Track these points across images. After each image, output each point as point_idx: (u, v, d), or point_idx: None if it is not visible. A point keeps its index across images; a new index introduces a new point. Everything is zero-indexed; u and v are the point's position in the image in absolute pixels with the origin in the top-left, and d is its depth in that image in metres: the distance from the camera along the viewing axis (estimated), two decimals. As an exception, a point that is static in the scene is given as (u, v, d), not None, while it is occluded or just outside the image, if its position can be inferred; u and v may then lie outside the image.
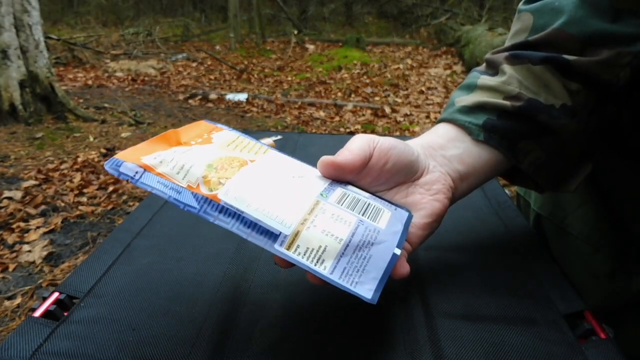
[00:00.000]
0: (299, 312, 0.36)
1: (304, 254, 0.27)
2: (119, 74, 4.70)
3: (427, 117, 3.48)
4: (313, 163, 0.34)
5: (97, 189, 2.10)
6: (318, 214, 0.29)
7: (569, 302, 0.37)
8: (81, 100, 3.64)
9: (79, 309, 0.35)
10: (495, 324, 0.34)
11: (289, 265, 0.28)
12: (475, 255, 0.44)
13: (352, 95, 4.13)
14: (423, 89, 4.37)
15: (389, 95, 4.13)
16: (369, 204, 0.32)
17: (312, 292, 0.38)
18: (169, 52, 5.91)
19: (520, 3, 0.41)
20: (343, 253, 0.28)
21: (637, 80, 0.36)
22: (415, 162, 0.35)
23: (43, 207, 1.91)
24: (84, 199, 2.00)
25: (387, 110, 3.59)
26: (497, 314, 0.35)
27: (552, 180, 0.40)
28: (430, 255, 0.43)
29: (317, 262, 0.27)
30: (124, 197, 2.03)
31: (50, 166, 2.32)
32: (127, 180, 0.29)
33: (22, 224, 1.78)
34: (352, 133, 3.04)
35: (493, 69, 0.39)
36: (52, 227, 1.77)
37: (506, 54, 0.38)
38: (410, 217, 0.33)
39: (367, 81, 4.64)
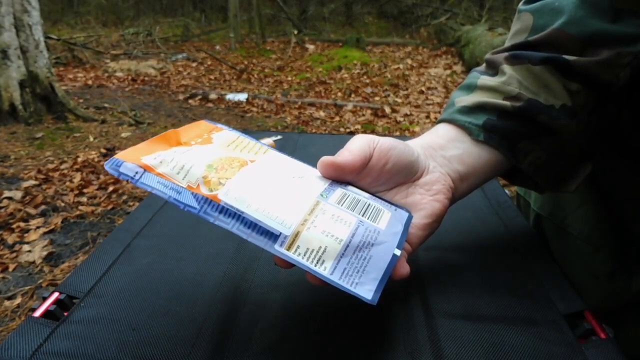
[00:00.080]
0: (299, 312, 0.36)
1: (304, 255, 0.27)
2: (119, 74, 4.70)
3: (427, 117, 3.48)
4: (313, 163, 0.34)
5: (97, 189, 2.10)
6: (318, 215, 0.29)
7: (569, 302, 0.37)
8: (81, 100, 3.64)
9: (79, 309, 0.35)
10: (495, 324, 0.34)
11: (289, 265, 0.28)
12: (475, 255, 0.44)
13: (352, 95, 4.13)
14: (423, 89, 4.37)
15: (389, 95, 4.13)
16: (369, 204, 0.32)
17: (312, 293, 0.38)
18: (169, 52, 5.91)
19: (520, 3, 0.41)
20: (343, 254, 0.28)
21: (637, 80, 0.36)
22: (415, 163, 0.35)
23: (43, 207, 1.91)
24: (84, 199, 2.00)
25: (387, 110, 3.59)
26: (497, 314, 0.35)
27: (552, 180, 0.40)
28: (430, 256, 0.43)
29: (317, 262, 0.27)
30: (124, 197, 2.03)
31: (50, 166, 2.32)
32: (127, 181, 0.29)
33: (22, 224, 1.78)
34: (352, 133, 3.04)
35: (493, 69, 0.39)
36: (52, 227, 1.77)
37: (506, 54, 0.38)
38: (410, 218, 0.33)
39: (367, 81, 4.64)
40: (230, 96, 3.94)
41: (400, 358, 0.31)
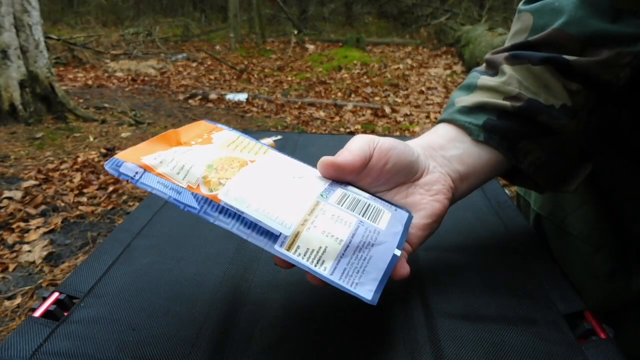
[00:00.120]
0: (299, 313, 0.36)
1: (304, 255, 0.27)
2: (119, 74, 4.70)
3: (427, 117, 3.48)
4: (313, 163, 0.34)
5: (97, 189, 2.10)
6: (318, 215, 0.29)
7: (569, 302, 0.37)
8: (81, 100, 3.64)
9: (79, 309, 0.35)
10: (495, 324, 0.34)
11: (289, 266, 0.28)
12: (475, 255, 0.44)
13: (352, 95, 4.13)
14: (423, 89, 4.37)
15: (389, 95, 4.13)
16: (369, 204, 0.32)
17: (312, 293, 0.38)
18: (169, 52, 5.91)
19: (520, 3, 0.41)
20: (343, 254, 0.28)
21: (637, 80, 0.36)
22: (415, 163, 0.35)
23: (43, 207, 1.91)
24: (84, 199, 2.00)
25: (387, 110, 3.59)
26: (497, 314, 0.35)
27: (552, 180, 0.40)
28: (430, 256, 0.43)
29: (317, 263, 0.27)
30: (124, 197, 2.03)
31: (50, 166, 2.32)
32: (127, 181, 0.29)
33: (22, 224, 1.78)
34: (352, 133, 3.04)
35: (493, 69, 0.39)
36: (52, 227, 1.77)
37: (506, 54, 0.38)
38: (410, 218, 0.33)
39: (367, 81, 4.64)
40: (230, 96, 3.94)
41: (400, 358, 0.31)
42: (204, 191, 0.29)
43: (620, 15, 0.34)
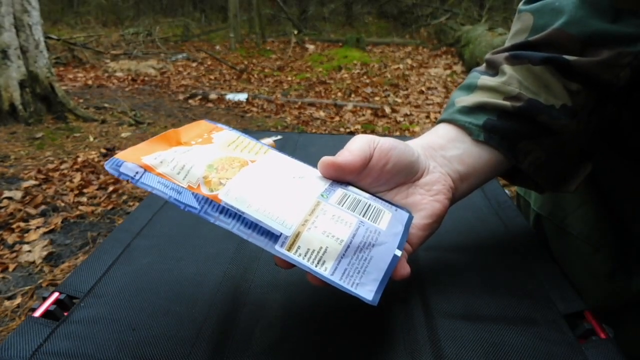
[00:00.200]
0: (299, 313, 0.36)
1: (305, 255, 0.27)
2: (119, 74, 4.70)
3: (427, 117, 3.48)
4: (313, 163, 0.34)
5: (97, 189, 2.10)
6: (319, 215, 0.29)
7: (569, 302, 0.37)
8: (81, 100, 3.64)
9: (79, 309, 0.35)
10: (495, 324, 0.34)
11: (290, 266, 0.28)
12: (475, 255, 0.44)
13: (352, 95, 4.13)
14: (423, 89, 4.37)
15: (389, 95, 4.13)
16: (369, 205, 0.32)
17: (312, 293, 0.38)
18: (169, 52, 5.90)
19: (521, 3, 0.41)
20: (344, 254, 0.28)
21: (637, 80, 0.36)
22: (415, 163, 0.35)
23: (43, 207, 1.91)
24: (84, 199, 2.00)
25: (387, 110, 3.59)
26: (497, 314, 0.35)
27: (552, 180, 0.40)
28: (431, 256, 0.43)
29: (317, 263, 0.27)
30: (124, 197, 2.03)
31: (50, 166, 2.32)
32: (127, 181, 0.29)
33: (22, 224, 1.77)
34: (352, 133, 3.04)
35: (493, 69, 0.39)
36: (52, 227, 1.77)
37: (506, 54, 0.38)
38: (410, 218, 0.33)
39: (367, 81, 4.64)
40: (230, 96, 3.94)
41: (400, 358, 0.31)
42: (204, 191, 0.29)
43: (621, 15, 0.34)
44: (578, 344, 0.32)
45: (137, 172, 0.29)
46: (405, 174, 0.35)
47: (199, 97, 3.95)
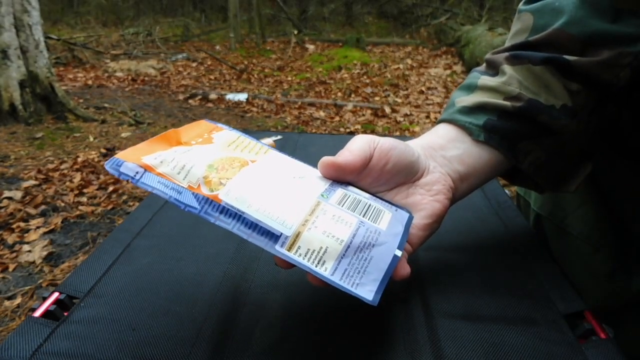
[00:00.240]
0: (299, 313, 0.36)
1: (305, 255, 0.27)
2: (119, 74, 4.70)
3: (427, 117, 3.48)
4: (313, 163, 0.34)
5: (97, 189, 2.10)
6: (319, 215, 0.29)
7: (569, 302, 0.37)
8: (81, 100, 3.64)
9: (79, 309, 0.35)
10: (495, 324, 0.34)
11: (290, 266, 0.28)
12: (475, 255, 0.44)
13: (352, 95, 4.13)
14: (423, 89, 4.37)
15: (389, 95, 4.13)
16: (369, 205, 0.32)
17: (313, 293, 0.38)
18: (169, 52, 5.90)
19: (521, 3, 0.41)
20: (344, 254, 0.28)
21: (637, 80, 0.36)
22: (415, 163, 0.35)
23: (43, 207, 1.91)
24: (84, 199, 2.00)
25: (387, 110, 3.59)
26: (497, 314, 0.35)
27: (552, 180, 0.40)
28: (431, 256, 0.43)
29: (318, 263, 0.27)
30: (124, 197, 2.03)
31: (50, 166, 2.32)
32: (128, 181, 0.29)
33: (22, 224, 1.77)
34: (352, 133, 3.04)
35: (493, 69, 0.39)
36: (52, 227, 1.77)
37: (506, 54, 0.38)
38: (410, 219, 0.33)
39: (367, 81, 4.64)
40: (230, 96, 3.94)
41: (400, 358, 0.31)
42: (204, 191, 0.29)
43: (621, 15, 0.34)
44: (578, 344, 0.32)
45: (137, 172, 0.29)
46: (406, 174, 0.35)
47: (199, 97, 3.95)
